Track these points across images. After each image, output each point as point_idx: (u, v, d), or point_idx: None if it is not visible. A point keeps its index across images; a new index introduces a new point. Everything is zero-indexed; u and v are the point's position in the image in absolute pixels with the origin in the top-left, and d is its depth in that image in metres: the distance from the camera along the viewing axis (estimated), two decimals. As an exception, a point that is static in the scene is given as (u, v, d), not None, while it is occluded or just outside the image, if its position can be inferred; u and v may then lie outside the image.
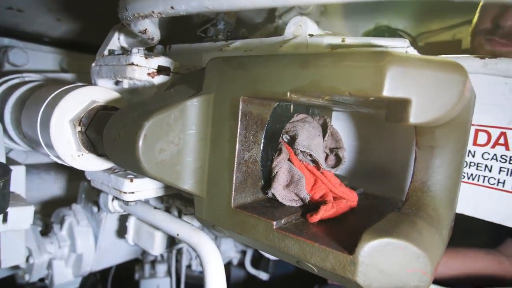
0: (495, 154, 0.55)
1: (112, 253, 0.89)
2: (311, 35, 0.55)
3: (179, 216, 0.76)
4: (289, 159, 0.48)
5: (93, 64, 0.66)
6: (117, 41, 0.67)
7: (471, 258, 0.82)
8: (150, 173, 0.41)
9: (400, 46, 0.50)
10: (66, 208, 0.87)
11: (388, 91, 0.30)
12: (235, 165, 0.42)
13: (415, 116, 0.31)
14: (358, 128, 0.64)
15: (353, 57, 0.32)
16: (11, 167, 0.58)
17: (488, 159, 0.55)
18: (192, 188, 0.45)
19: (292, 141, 0.49)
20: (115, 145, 0.43)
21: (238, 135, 0.41)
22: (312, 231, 0.39)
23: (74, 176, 1.16)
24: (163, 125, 0.41)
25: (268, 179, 0.48)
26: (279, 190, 0.45)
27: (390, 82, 0.30)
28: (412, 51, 0.43)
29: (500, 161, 0.54)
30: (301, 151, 0.47)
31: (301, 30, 0.55)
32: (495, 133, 0.53)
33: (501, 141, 0.54)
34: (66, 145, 0.51)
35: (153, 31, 0.54)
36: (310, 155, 0.48)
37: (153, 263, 1.29)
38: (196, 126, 0.44)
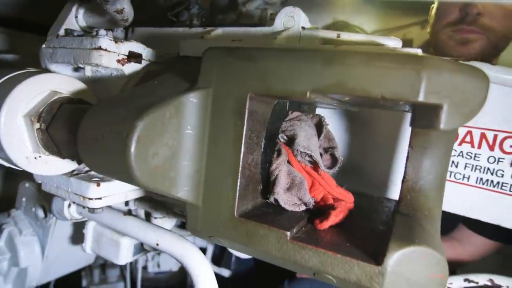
0: (461, 151, 0.58)
1: (61, 262, 0.78)
2: (303, 28, 0.52)
3: (147, 220, 0.69)
4: (287, 161, 0.45)
5: (44, 45, 0.54)
6: (74, 19, 0.56)
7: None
8: (143, 182, 0.35)
9: (395, 46, 0.50)
10: (3, 214, 0.73)
11: (423, 96, 0.29)
12: (240, 170, 0.37)
13: (445, 123, 0.30)
14: (333, 124, 0.63)
15: (386, 58, 0.30)
16: None
17: (455, 155, 0.59)
18: (186, 195, 0.40)
19: (289, 141, 0.46)
20: (95, 149, 0.35)
21: (243, 136, 0.37)
22: (327, 239, 0.36)
23: (10, 174, 0.98)
24: (157, 124, 0.35)
25: (266, 182, 0.44)
26: (281, 195, 0.42)
27: (426, 86, 0.29)
28: (421, 53, 0.43)
29: (466, 157, 0.58)
30: (300, 152, 0.45)
31: (293, 22, 0.52)
32: (461, 131, 0.57)
33: (467, 139, 0.58)
34: (20, 146, 0.41)
35: (128, 11, 0.46)
36: (310, 156, 0.45)
37: (103, 267, 1.17)
38: (192, 125, 0.39)
